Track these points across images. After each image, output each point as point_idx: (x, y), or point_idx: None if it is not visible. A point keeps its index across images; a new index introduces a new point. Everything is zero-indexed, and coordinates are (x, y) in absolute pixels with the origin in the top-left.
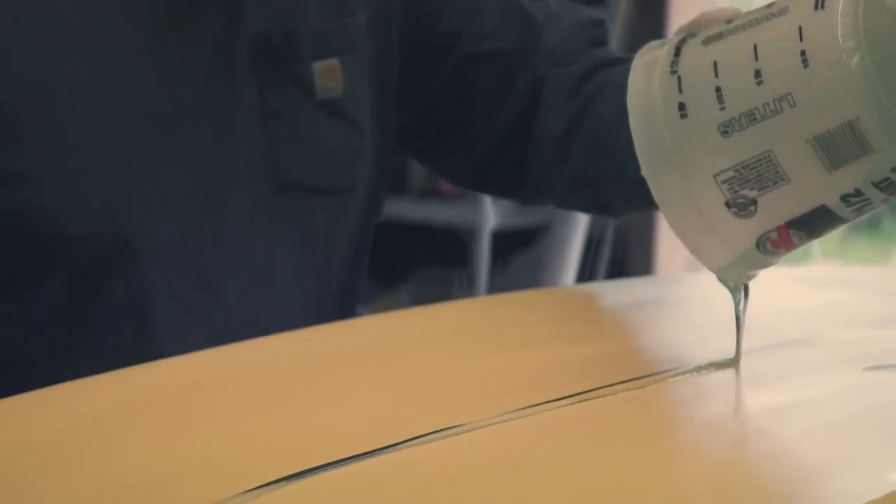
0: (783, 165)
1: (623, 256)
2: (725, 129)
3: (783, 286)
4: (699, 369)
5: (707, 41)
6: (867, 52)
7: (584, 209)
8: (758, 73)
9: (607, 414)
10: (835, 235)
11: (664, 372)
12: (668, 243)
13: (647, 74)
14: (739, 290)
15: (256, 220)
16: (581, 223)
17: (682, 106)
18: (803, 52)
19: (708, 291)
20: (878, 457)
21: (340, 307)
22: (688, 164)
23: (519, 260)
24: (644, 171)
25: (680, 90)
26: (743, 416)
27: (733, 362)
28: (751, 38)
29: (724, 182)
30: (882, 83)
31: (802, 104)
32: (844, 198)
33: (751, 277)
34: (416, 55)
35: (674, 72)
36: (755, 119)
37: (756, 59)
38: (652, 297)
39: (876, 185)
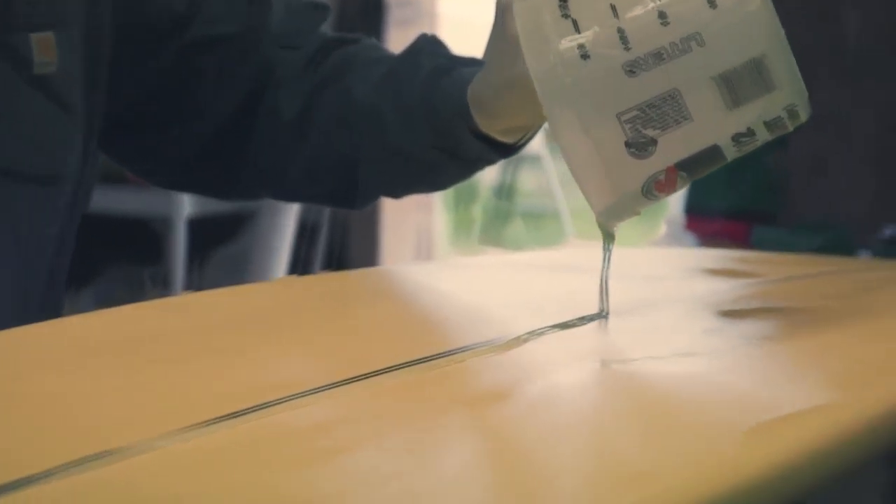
0: (688, 104)
1: (343, 246)
2: (631, 69)
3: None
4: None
5: None
6: None
7: (318, 199)
8: (662, 15)
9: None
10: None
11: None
12: (393, 232)
13: (535, 18)
14: (613, 237)
15: None
16: (292, 210)
17: (581, 47)
18: None
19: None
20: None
21: (43, 305)
22: (590, 104)
23: (221, 253)
24: (545, 111)
25: (578, 31)
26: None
27: (601, 315)
28: None
29: (627, 121)
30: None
31: (711, 42)
32: (736, 137)
33: (617, 224)
34: (133, 37)
35: (566, 15)
36: (662, 58)
37: (657, 0)
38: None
39: (767, 123)
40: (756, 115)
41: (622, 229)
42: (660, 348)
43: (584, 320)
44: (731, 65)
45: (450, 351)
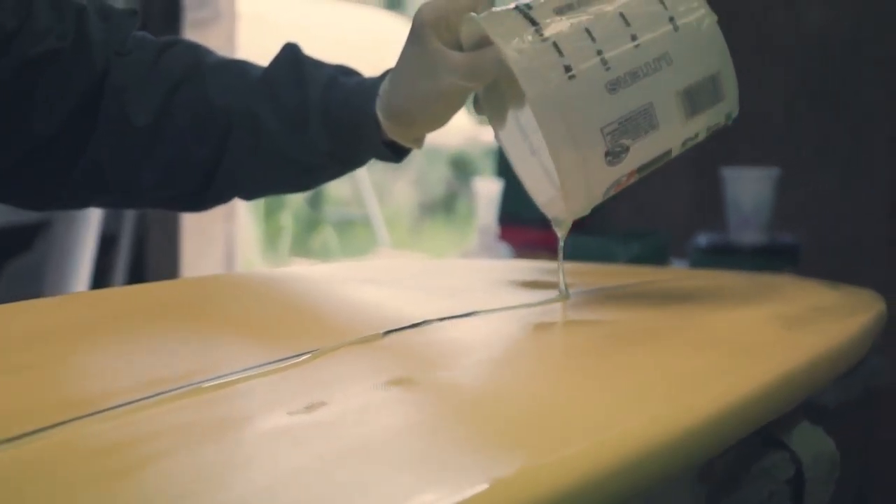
0: (657, 115)
1: (143, 257)
2: (613, 87)
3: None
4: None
5: (561, 11)
6: (713, 14)
7: (165, 202)
8: (633, 37)
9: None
10: (410, 221)
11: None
12: (196, 242)
13: (516, 43)
14: (569, 227)
15: None
16: (92, 219)
17: (568, 68)
18: (672, 18)
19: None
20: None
21: None
22: (579, 119)
23: (15, 265)
24: (540, 126)
25: (561, 54)
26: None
27: (562, 297)
28: (614, 7)
29: (608, 133)
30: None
31: (677, 61)
32: (686, 141)
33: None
34: None
35: (545, 39)
36: (638, 77)
37: (628, 25)
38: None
39: (710, 128)
40: (705, 122)
41: (432, 240)
42: (457, 364)
43: (374, 338)
44: (694, 80)
45: (242, 369)
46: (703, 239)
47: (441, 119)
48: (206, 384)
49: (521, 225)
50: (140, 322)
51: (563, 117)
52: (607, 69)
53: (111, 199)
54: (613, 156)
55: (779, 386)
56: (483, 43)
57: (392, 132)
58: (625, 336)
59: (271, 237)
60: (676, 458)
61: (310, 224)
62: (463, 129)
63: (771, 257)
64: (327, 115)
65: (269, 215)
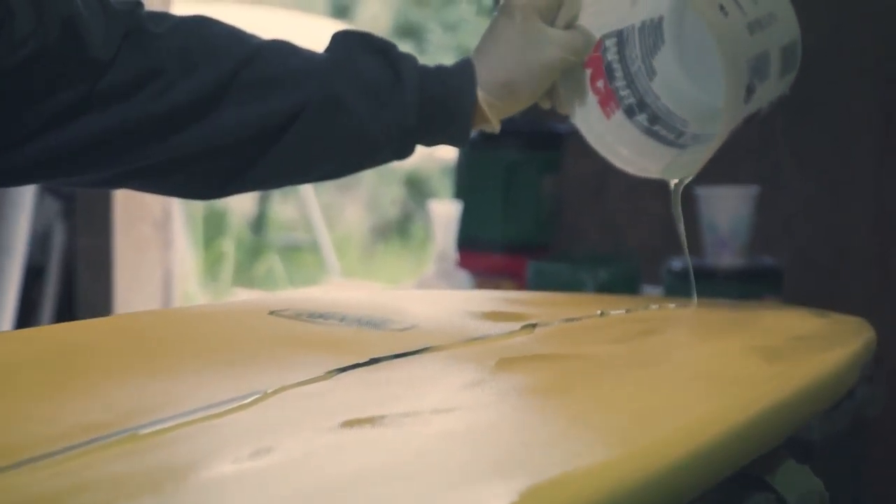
0: (770, 66)
1: (73, 291)
2: (751, 28)
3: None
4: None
5: None
6: None
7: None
8: None
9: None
10: (362, 247)
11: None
12: (130, 273)
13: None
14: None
15: None
16: (16, 250)
17: (721, 7)
18: None
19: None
20: None
21: None
22: (735, 50)
23: None
24: (718, 50)
25: None
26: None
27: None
28: None
29: (750, 68)
30: None
31: (780, 21)
32: (771, 101)
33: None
34: None
35: None
36: (762, 25)
37: None
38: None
39: (779, 97)
40: (784, 86)
41: (385, 266)
42: (413, 403)
43: (332, 373)
44: (789, 40)
45: (182, 413)
46: (677, 263)
47: (540, 91)
48: (144, 430)
49: (481, 250)
50: (70, 363)
51: (730, 45)
52: (744, 14)
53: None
54: (748, 93)
55: (760, 423)
56: (572, 24)
57: (489, 107)
58: (593, 370)
59: (212, 266)
60: (651, 502)
61: (253, 251)
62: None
63: (751, 282)
64: (422, 92)
65: (209, 242)
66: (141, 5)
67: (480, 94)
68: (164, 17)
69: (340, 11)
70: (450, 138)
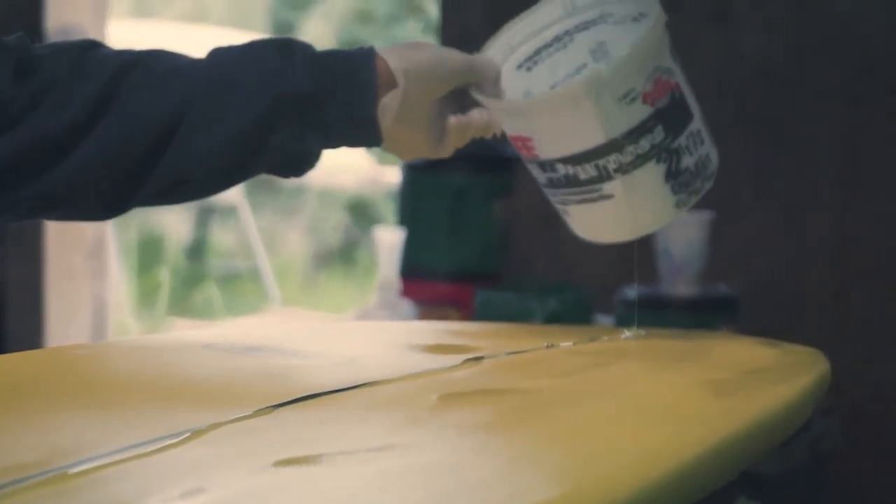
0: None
1: (2, 323)
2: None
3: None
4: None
5: None
6: None
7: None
8: None
9: None
10: (303, 274)
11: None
12: (61, 304)
13: None
14: None
15: None
16: None
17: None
18: None
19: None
20: None
21: None
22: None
23: None
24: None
25: None
26: None
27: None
28: None
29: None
30: None
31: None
32: None
33: None
34: None
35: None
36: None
37: None
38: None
39: None
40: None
41: (328, 295)
42: (350, 442)
43: (267, 409)
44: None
45: (112, 451)
46: (630, 292)
47: (446, 77)
48: (73, 469)
49: (426, 279)
50: None
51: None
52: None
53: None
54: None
55: (711, 459)
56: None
57: (396, 69)
58: (538, 406)
59: (147, 295)
60: None
61: (190, 279)
62: (361, 168)
63: (706, 311)
64: (316, 58)
65: (144, 270)
66: (26, 37)
67: (384, 53)
68: (51, 44)
69: (282, 29)
70: (356, 111)
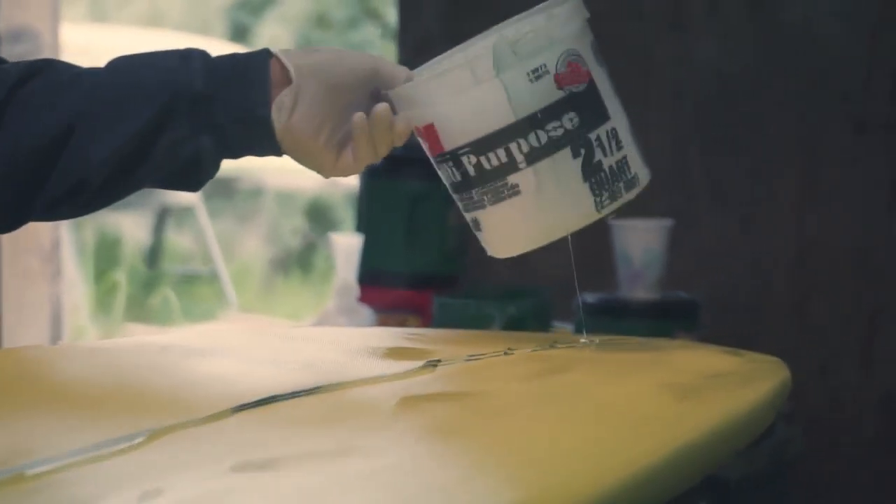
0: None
1: None
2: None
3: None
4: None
5: None
6: None
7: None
8: None
9: None
10: (261, 279)
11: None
12: (16, 306)
13: None
14: None
15: None
16: None
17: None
18: None
19: None
20: None
21: None
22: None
23: None
24: None
25: None
26: None
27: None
28: None
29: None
30: None
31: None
32: None
33: None
34: None
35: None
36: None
37: None
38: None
39: None
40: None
41: (286, 300)
42: (308, 445)
43: (225, 413)
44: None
45: (68, 452)
46: (589, 297)
47: (347, 71)
48: (30, 470)
49: (384, 285)
50: None
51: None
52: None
53: None
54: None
55: (671, 463)
56: None
57: (290, 62)
58: (496, 410)
59: (103, 299)
60: None
61: (147, 283)
62: None
63: (664, 317)
64: (211, 60)
65: (101, 274)
66: None
67: (281, 54)
68: None
69: (239, 33)
70: (247, 108)
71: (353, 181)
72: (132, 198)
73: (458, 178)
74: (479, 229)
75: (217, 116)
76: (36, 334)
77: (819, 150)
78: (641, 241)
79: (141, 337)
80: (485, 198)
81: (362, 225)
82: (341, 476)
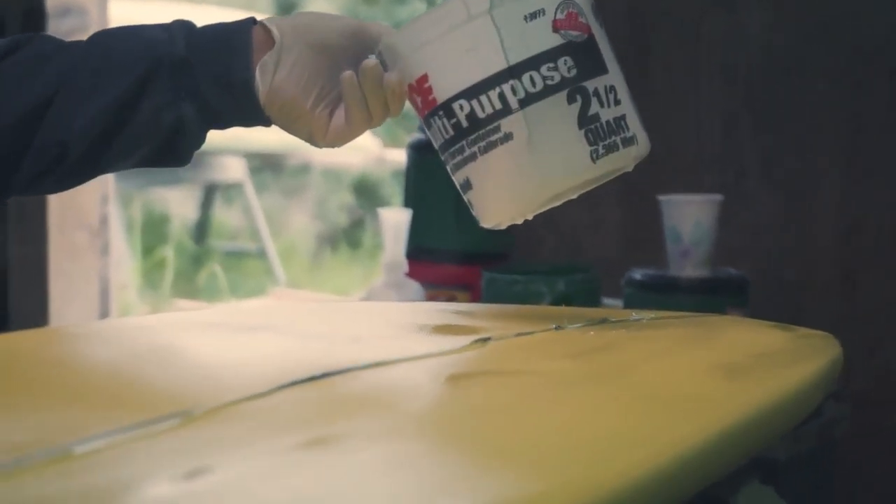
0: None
1: (5, 301)
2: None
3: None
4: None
5: None
6: None
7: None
8: None
9: None
10: (309, 256)
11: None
12: (65, 282)
13: None
14: None
15: None
16: None
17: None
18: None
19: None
20: None
21: None
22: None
23: None
24: None
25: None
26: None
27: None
28: None
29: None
30: None
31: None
32: None
33: None
34: None
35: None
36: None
37: None
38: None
39: None
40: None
41: (334, 276)
42: (358, 424)
43: (275, 390)
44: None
45: (115, 430)
46: (637, 274)
47: (333, 35)
48: (77, 449)
49: (433, 260)
50: (1, 377)
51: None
52: None
53: None
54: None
55: (721, 444)
56: None
57: (276, 27)
58: (547, 389)
59: (151, 275)
60: None
61: (195, 259)
62: (367, 148)
63: (714, 293)
64: (192, 28)
65: (149, 250)
66: None
67: (266, 20)
68: None
69: (285, 10)
70: (229, 72)
71: (400, 157)
72: (180, 173)
73: (451, 132)
74: (469, 188)
75: (198, 81)
76: (84, 310)
77: (866, 126)
78: (691, 217)
79: (188, 313)
80: (476, 149)
81: (410, 200)
82: (396, 454)
